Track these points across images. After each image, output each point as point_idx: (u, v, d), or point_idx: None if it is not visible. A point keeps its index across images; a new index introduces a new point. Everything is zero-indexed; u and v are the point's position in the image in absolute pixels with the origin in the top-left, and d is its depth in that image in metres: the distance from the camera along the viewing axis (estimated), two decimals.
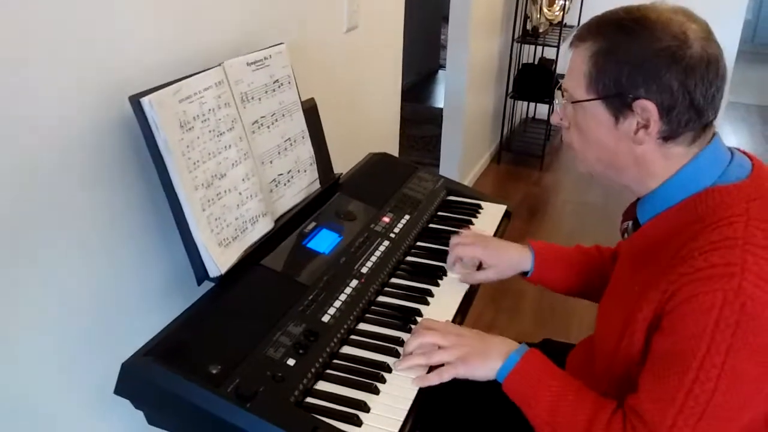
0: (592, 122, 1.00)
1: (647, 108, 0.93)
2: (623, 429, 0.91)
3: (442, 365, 1.04)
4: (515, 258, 1.32)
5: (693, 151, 0.98)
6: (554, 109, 1.09)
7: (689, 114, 0.93)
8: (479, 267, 1.34)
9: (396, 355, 1.07)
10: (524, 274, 1.34)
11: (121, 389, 0.96)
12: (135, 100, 0.99)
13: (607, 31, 0.96)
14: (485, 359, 1.04)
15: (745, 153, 1.03)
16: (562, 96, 1.04)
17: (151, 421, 1.00)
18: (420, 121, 4.93)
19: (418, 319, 1.17)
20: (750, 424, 0.94)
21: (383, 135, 2.33)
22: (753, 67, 6.53)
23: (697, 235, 0.92)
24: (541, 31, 4.00)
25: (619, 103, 0.95)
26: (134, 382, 0.95)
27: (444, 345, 1.05)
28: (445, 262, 1.35)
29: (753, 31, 7.30)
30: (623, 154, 0.99)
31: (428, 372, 1.04)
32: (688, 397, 0.86)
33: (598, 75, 0.96)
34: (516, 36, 4.01)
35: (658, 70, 0.91)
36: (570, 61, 1.02)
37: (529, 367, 1.02)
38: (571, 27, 4.34)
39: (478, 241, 1.34)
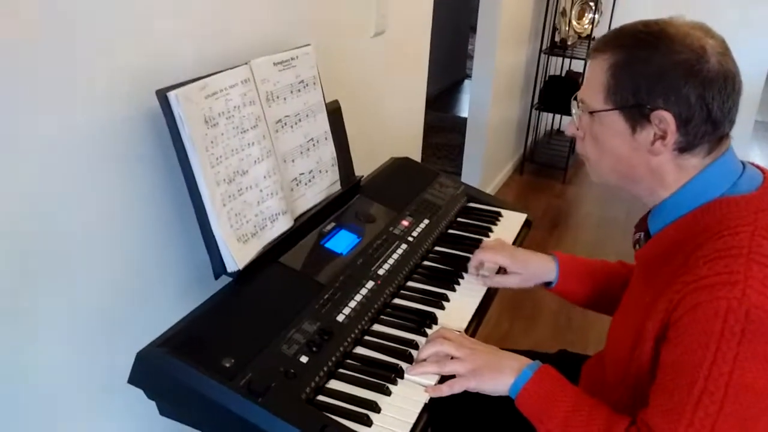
0: (608, 132, 1.00)
1: (665, 119, 0.93)
2: None
3: (454, 376, 1.04)
4: (540, 267, 1.32)
5: (706, 163, 0.98)
6: (571, 119, 1.08)
7: (706, 126, 0.94)
8: (501, 272, 1.34)
9: (409, 358, 1.07)
10: (547, 284, 1.33)
11: (134, 379, 0.97)
12: (162, 95, 1.01)
13: (626, 43, 0.96)
14: (498, 374, 1.03)
15: (757, 166, 1.02)
16: (578, 106, 1.04)
17: (163, 411, 1.01)
18: (444, 129, 4.93)
19: (433, 325, 1.17)
20: None
21: (406, 141, 2.33)
22: None
23: (703, 244, 0.92)
24: (569, 43, 3.99)
25: (637, 114, 0.96)
26: (148, 372, 0.96)
27: (458, 356, 1.05)
28: (463, 268, 1.35)
29: None
30: (638, 165, 1.00)
31: (440, 381, 1.04)
32: (698, 408, 0.85)
33: (616, 86, 0.96)
34: (544, 48, 4.00)
35: (677, 82, 0.92)
36: (588, 72, 1.03)
37: (542, 383, 1.01)
38: None
39: (505, 248, 1.35)
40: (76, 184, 0.99)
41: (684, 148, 0.96)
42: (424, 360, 1.06)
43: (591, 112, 1.01)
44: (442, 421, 1.19)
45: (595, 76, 0.99)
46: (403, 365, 1.05)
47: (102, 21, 0.97)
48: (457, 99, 6.10)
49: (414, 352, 1.08)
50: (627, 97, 0.96)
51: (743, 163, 1.01)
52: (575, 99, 1.05)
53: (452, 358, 1.06)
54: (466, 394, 1.04)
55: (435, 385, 1.03)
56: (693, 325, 0.86)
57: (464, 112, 5.41)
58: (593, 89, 0.99)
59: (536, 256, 1.34)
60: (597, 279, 1.33)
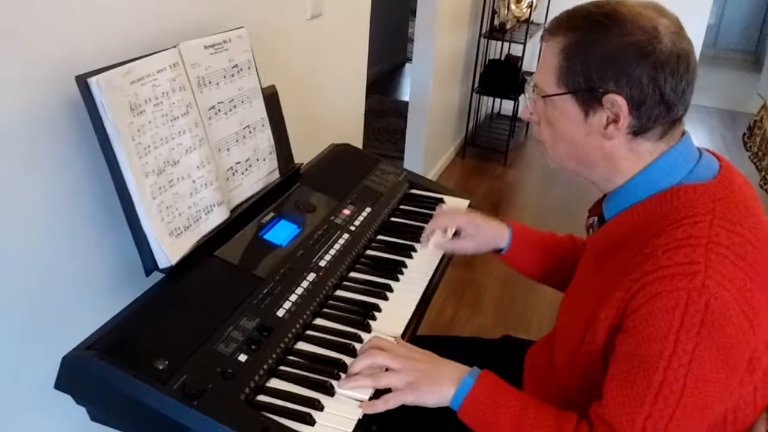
0: (562, 117, 0.98)
1: (617, 102, 0.92)
2: None
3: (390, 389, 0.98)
4: (493, 232, 1.32)
5: (661, 148, 0.97)
6: (525, 103, 1.07)
7: (659, 109, 0.93)
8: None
9: (352, 352, 1.04)
10: (498, 251, 1.33)
11: (61, 384, 0.91)
12: (82, 81, 0.94)
13: (578, 25, 0.95)
14: (437, 386, 0.98)
15: (713, 153, 1.02)
16: (533, 91, 1.02)
17: (94, 417, 0.96)
18: (385, 113, 4.90)
19: (377, 314, 1.14)
20: (712, 423, 0.94)
21: (347, 126, 2.29)
22: (714, 71, 6.68)
23: (661, 232, 0.91)
24: (508, 27, 4.00)
25: (589, 98, 0.94)
26: (76, 376, 0.90)
27: (393, 367, 0.99)
28: (406, 256, 1.32)
29: (715, 35, 7.46)
30: (593, 149, 0.98)
31: (375, 394, 0.98)
32: (657, 399, 0.85)
33: (568, 69, 0.95)
34: (483, 32, 4.00)
35: (628, 64, 0.90)
36: (541, 56, 1.01)
37: (484, 391, 0.97)
38: (539, 24, 4.35)
39: (459, 210, 1.36)
40: None
41: (637, 131, 0.94)
42: (358, 373, 0.99)
43: (544, 96, 0.99)
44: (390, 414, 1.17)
45: (547, 59, 0.97)
46: (347, 360, 1.02)
47: (15, 1, 0.89)
48: (398, 82, 6.08)
49: (358, 346, 1.05)
50: (578, 80, 0.94)
51: (699, 150, 1.01)
52: (529, 84, 1.03)
53: (387, 369, 1.00)
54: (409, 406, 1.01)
55: (369, 400, 0.96)
56: (652, 315, 0.86)
57: (405, 95, 5.39)
58: (546, 73, 0.97)
59: (490, 221, 1.33)
60: (547, 250, 1.33)
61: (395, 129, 4.59)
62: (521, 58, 4.00)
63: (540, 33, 4.30)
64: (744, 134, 3.33)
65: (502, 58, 4.27)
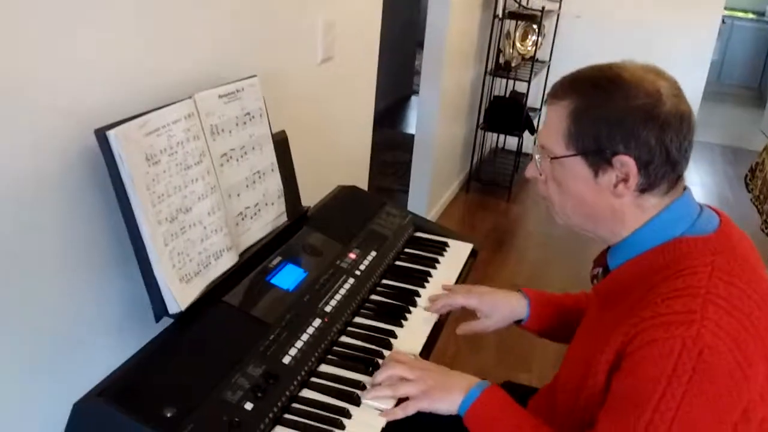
0: (571, 177, 1.02)
1: (626, 163, 0.96)
2: None
3: (407, 398, 1.07)
4: (510, 305, 1.34)
5: (665, 202, 1.01)
6: (531, 163, 1.11)
7: (665, 167, 0.97)
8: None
9: (356, 400, 1.06)
10: (517, 321, 1.35)
11: (71, 430, 0.93)
12: (101, 134, 0.97)
13: (584, 89, 0.99)
14: (448, 393, 1.07)
15: (714, 209, 1.05)
16: (539, 151, 1.06)
17: None
18: (391, 146, 4.94)
19: (380, 361, 1.16)
20: None
21: (354, 164, 2.33)
22: (717, 107, 6.74)
23: (662, 282, 0.94)
24: (513, 65, 4.06)
25: (599, 159, 0.98)
26: (85, 423, 0.92)
27: (410, 378, 1.09)
28: (410, 303, 1.35)
29: (719, 71, 7.53)
30: (601, 207, 1.02)
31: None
32: None
33: (577, 132, 0.99)
34: (489, 69, 4.06)
35: (636, 126, 0.95)
36: (547, 118, 1.05)
37: (489, 402, 1.06)
38: (543, 62, 4.41)
39: (473, 292, 1.35)
40: (7, 223, 0.94)
41: (645, 189, 0.99)
42: (379, 384, 1.09)
43: (552, 158, 1.03)
44: None
45: (554, 122, 1.01)
46: (351, 409, 1.04)
47: (33, 57, 0.93)
48: (404, 115, 6.14)
49: (362, 394, 1.07)
50: (588, 142, 0.98)
51: (701, 205, 1.05)
52: (535, 143, 1.07)
53: (405, 380, 1.09)
54: (421, 416, 1.06)
55: (390, 408, 1.06)
56: (647, 358, 0.89)
57: (411, 128, 5.44)
58: (554, 135, 1.01)
59: (506, 296, 1.35)
60: (562, 313, 1.35)
61: (401, 162, 4.62)
62: (526, 96, 4.05)
63: (544, 71, 4.38)
64: (746, 175, 3.36)
65: (507, 95, 4.32)
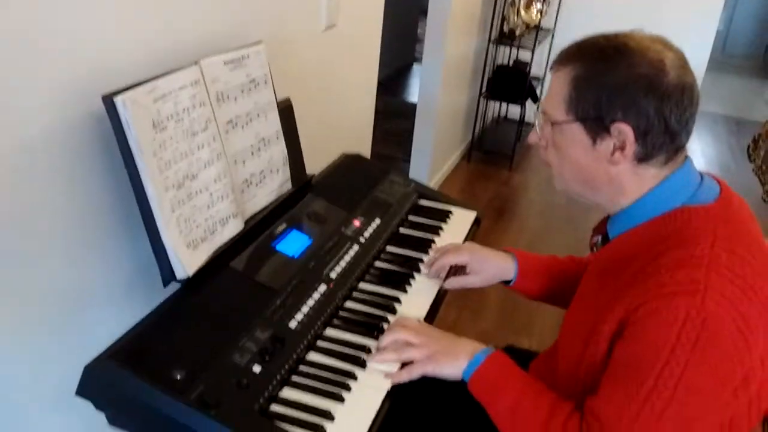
0: (570, 143, 1.03)
1: (624, 131, 0.97)
2: (579, 429, 0.95)
3: (412, 362, 1.09)
4: (499, 266, 1.35)
5: (665, 173, 1.01)
6: (533, 129, 1.11)
7: (664, 138, 0.97)
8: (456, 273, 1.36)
9: (362, 363, 1.08)
10: (506, 282, 1.37)
11: (83, 391, 0.95)
12: (108, 99, 0.98)
13: (588, 56, 0.99)
14: (453, 359, 1.09)
15: (714, 177, 1.06)
16: (541, 117, 1.06)
17: (113, 422, 0.99)
18: (393, 114, 4.92)
19: (385, 326, 1.18)
20: None
21: (356, 132, 2.32)
22: (721, 77, 6.68)
23: (664, 252, 0.95)
24: (517, 33, 4.02)
25: (597, 126, 0.98)
26: (97, 384, 0.94)
27: (415, 343, 1.11)
28: (414, 269, 1.36)
29: (723, 41, 7.45)
30: (599, 174, 1.03)
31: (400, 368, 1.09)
32: (645, 404, 0.90)
33: (578, 98, 0.99)
34: (492, 37, 4.03)
35: (636, 96, 0.95)
36: (550, 84, 1.05)
37: (493, 367, 1.07)
38: (547, 30, 4.37)
39: (463, 247, 1.37)
40: (17, 190, 0.95)
41: (642, 158, 0.99)
42: (385, 348, 1.11)
43: (553, 123, 1.03)
44: (402, 409, 1.22)
45: (557, 88, 1.02)
46: (356, 371, 1.06)
47: (42, 23, 0.93)
48: (406, 83, 6.09)
49: (367, 357, 1.09)
50: (588, 109, 0.98)
51: (701, 174, 1.05)
52: (538, 109, 1.08)
53: (410, 345, 1.11)
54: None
55: (395, 371, 1.08)
56: (651, 327, 0.90)
57: (412, 96, 5.42)
58: (556, 101, 1.02)
59: (495, 254, 1.37)
60: (552, 275, 1.37)
61: (403, 131, 4.61)
62: (529, 64, 4.03)
63: (548, 40, 4.35)
64: (749, 146, 3.36)
65: (510, 64, 4.29)
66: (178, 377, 0.92)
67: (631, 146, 0.97)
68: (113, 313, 1.16)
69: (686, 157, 1.04)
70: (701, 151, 4.86)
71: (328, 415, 0.97)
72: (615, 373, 0.95)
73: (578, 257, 1.40)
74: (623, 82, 0.95)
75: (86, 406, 0.96)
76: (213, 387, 0.93)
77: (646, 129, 0.96)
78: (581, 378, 1.04)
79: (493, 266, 1.35)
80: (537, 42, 3.96)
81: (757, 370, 0.93)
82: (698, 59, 4.27)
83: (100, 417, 0.99)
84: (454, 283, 1.35)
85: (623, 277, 0.99)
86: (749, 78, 7.16)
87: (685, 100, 0.96)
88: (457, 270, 1.37)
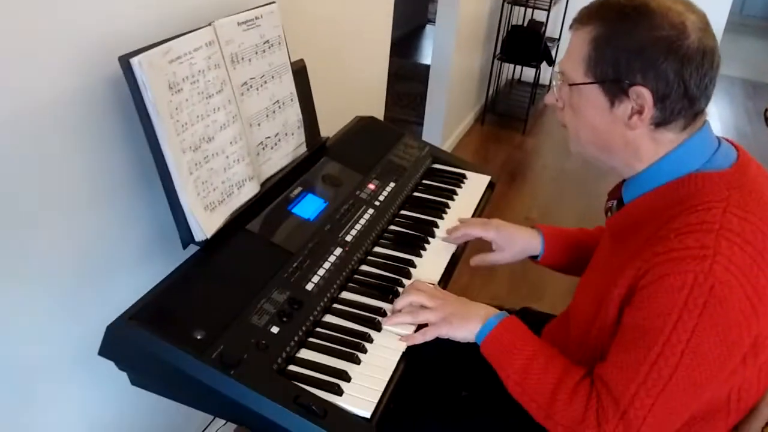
0: (587, 105, 1.01)
1: (642, 94, 0.95)
2: (588, 394, 0.96)
3: (426, 325, 1.10)
4: (526, 243, 1.35)
5: (682, 137, 1.00)
6: (550, 89, 1.09)
7: (682, 102, 0.95)
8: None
9: (377, 325, 1.09)
10: (533, 257, 1.37)
11: (105, 351, 0.97)
12: (125, 60, 0.97)
13: (608, 16, 0.96)
14: (466, 322, 1.10)
15: (732, 143, 1.04)
16: (559, 77, 1.04)
17: (135, 382, 1.02)
18: (406, 77, 4.88)
19: (400, 289, 1.19)
20: (711, 402, 0.99)
21: (370, 94, 2.31)
22: (739, 40, 6.54)
23: (676, 217, 0.94)
24: None
25: (616, 88, 0.97)
26: (119, 345, 0.96)
27: (430, 306, 1.12)
28: (428, 233, 1.36)
29: (742, 2, 7.28)
30: (615, 138, 1.01)
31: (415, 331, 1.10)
32: (652, 369, 0.90)
33: (597, 59, 0.97)
34: None
35: (655, 58, 0.93)
36: (569, 44, 1.03)
37: (505, 331, 1.08)
38: None
39: (490, 224, 1.36)
40: (36, 151, 0.96)
41: (660, 123, 0.97)
42: (400, 310, 1.12)
43: (571, 85, 1.02)
44: (410, 390, 1.23)
45: (576, 48, 1.00)
46: (372, 333, 1.07)
47: None
48: (418, 45, 6.02)
49: (382, 320, 1.10)
50: (606, 71, 0.96)
51: (719, 139, 1.03)
52: (555, 69, 1.06)
53: (425, 308, 1.12)
54: (440, 343, 1.10)
55: (410, 334, 1.09)
56: (659, 293, 0.90)
57: (426, 59, 5.35)
58: (574, 61, 1.00)
59: (521, 231, 1.36)
60: (580, 248, 1.36)
61: (415, 93, 4.57)
62: (545, 25, 3.96)
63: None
64: (766, 110, 3.30)
65: (525, 24, 4.22)
66: (199, 337, 0.94)
67: (650, 110, 0.96)
68: (134, 275, 1.18)
69: (705, 121, 1.02)
70: (717, 114, 4.79)
71: (344, 376, 0.98)
72: (623, 339, 0.95)
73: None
74: (643, 44, 0.93)
75: (109, 366, 0.98)
76: (233, 347, 0.94)
77: (665, 93, 0.94)
78: (592, 343, 1.05)
79: (519, 243, 1.34)
80: (553, 1, 3.88)
81: (766, 338, 0.94)
82: (716, 21, 4.12)
83: (123, 377, 1.01)
84: (480, 260, 1.35)
85: (635, 241, 0.99)
86: (767, 41, 7.00)
87: (705, 64, 0.93)
88: (482, 247, 1.36)
